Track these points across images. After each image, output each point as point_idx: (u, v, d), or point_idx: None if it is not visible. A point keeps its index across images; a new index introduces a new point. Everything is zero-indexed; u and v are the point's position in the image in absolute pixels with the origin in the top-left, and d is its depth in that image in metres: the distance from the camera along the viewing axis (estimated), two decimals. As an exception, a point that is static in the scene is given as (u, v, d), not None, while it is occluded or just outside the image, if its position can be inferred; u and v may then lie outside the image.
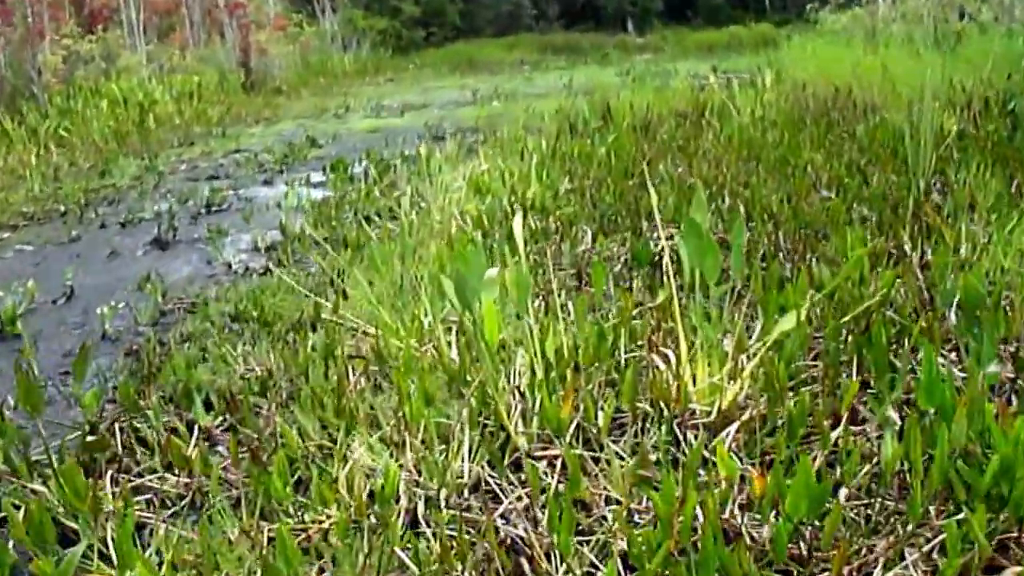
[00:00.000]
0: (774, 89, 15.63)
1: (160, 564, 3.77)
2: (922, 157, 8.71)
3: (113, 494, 4.51)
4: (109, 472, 4.80)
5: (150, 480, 4.74)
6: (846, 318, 5.14)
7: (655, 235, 8.20)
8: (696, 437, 4.39)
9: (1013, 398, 4.56)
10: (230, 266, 9.83)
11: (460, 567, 3.54)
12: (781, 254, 7.15)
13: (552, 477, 4.24)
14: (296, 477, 4.43)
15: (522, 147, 13.01)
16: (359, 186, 13.13)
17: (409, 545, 3.70)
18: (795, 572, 3.51)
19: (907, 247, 6.81)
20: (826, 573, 3.44)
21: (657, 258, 7.19)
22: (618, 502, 3.97)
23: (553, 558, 3.63)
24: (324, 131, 21.07)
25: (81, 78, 26.31)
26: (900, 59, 17.44)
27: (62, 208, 13.65)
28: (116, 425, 5.33)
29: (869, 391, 4.61)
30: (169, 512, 4.45)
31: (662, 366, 4.78)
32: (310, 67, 39.57)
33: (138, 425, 5.30)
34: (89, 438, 5.05)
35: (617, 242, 8.23)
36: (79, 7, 31.72)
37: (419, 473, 4.31)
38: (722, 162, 10.93)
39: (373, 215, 11.13)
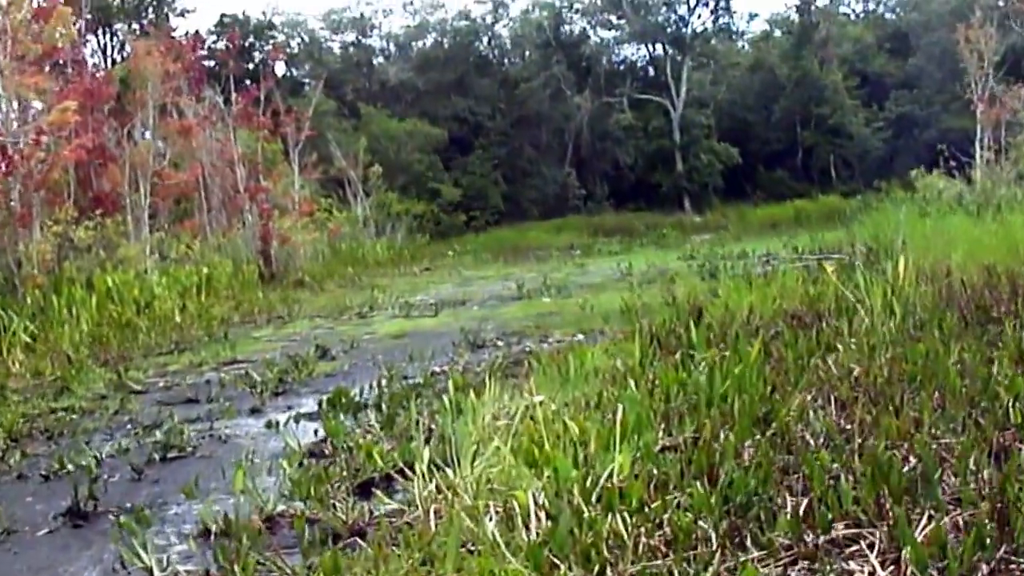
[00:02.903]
0: (908, 277, 11.95)
1: None
2: None
3: None
4: None
5: None
6: None
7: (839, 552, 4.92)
8: None
9: None
10: (151, 573, 6.39)
11: None
12: None
13: None
14: None
15: (587, 374, 9.49)
16: (365, 422, 9.98)
17: None
18: None
19: None
20: None
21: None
22: None
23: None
24: (342, 336, 17.90)
25: (73, 269, 23.30)
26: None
27: (-13, 443, 10.66)
28: None
29: None
30: None
31: None
32: (339, 255, 37.03)
33: None
34: None
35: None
36: (85, 190, 29.05)
37: None
38: (880, 393, 7.52)
39: (377, 479, 7.82)
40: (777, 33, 73.50)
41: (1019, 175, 24.71)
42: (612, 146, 64.58)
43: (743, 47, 75.47)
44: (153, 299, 22.69)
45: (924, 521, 4.90)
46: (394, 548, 5.65)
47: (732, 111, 67.26)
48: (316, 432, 9.88)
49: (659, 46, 68.44)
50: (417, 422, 9.22)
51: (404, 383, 12.02)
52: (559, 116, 64.84)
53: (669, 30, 67.03)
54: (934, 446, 6.10)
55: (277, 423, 10.37)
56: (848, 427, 6.95)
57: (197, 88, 36.66)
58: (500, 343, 15.48)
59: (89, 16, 43.67)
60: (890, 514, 4.99)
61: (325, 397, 11.12)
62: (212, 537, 6.90)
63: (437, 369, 13.12)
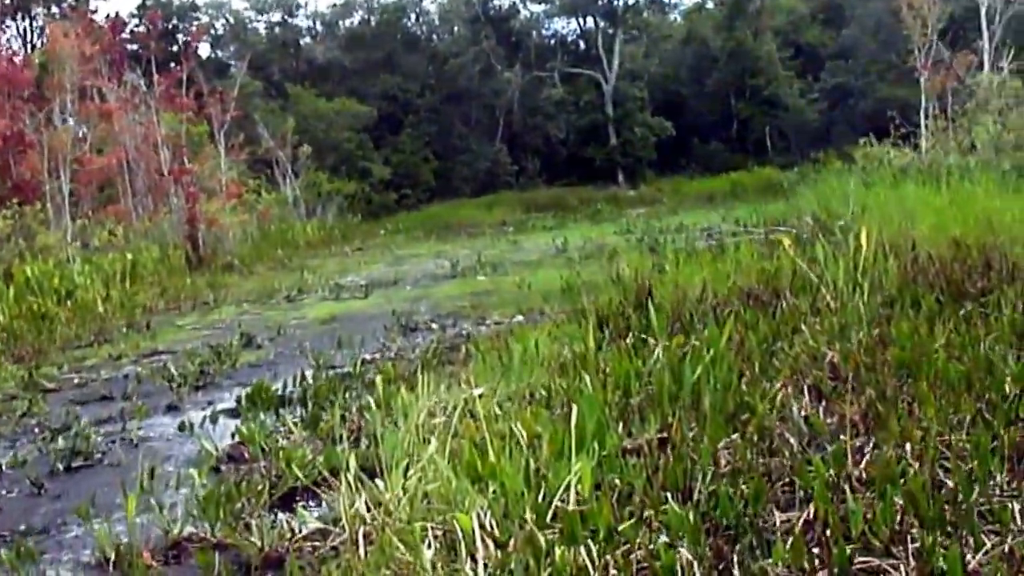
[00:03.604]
0: (870, 250, 11.07)
1: None
2: None
3: None
4: None
5: None
6: None
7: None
8: None
9: None
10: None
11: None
12: None
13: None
14: None
15: (531, 362, 8.64)
16: (288, 421, 8.99)
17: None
18: None
19: None
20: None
21: None
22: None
23: None
24: (269, 322, 16.97)
25: (-10, 260, 22.25)
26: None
27: None
28: None
29: None
30: None
31: None
32: (268, 238, 35.82)
33: None
34: None
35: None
36: (4, 178, 28.15)
37: None
38: (865, 382, 6.68)
39: (301, 488, 6.94)
40: (710, 5, 72.47)
41: (972, 144, 24.08)
42: (544, 121, 63.70)
43: (676, 19, 74.73)
44: (75, 289, 21.50)
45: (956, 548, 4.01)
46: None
47: (665, 84, 66.44)
48: (235, 433, 8.84)
49: (590, 19, 67.48)
50: (343, 418, 8.41)
51: (332, 373, 11.21)
52: (489, 92, 63.85)
53: (600, 3, 65.93)
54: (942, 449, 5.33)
55: (192, 425, 9.37)
56: (830, 421, 6.17)
57: (118, 71, 35.75)
58: (434, 326, 14.74)
59: (7, 1, 42.62)
60: (909, 538, 4.19)
61: (246, 392, 10.21)
62: (111, 568, 6.01)
63: (368, 356, 12.28)
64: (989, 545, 4.17)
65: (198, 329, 17.18)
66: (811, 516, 4.59)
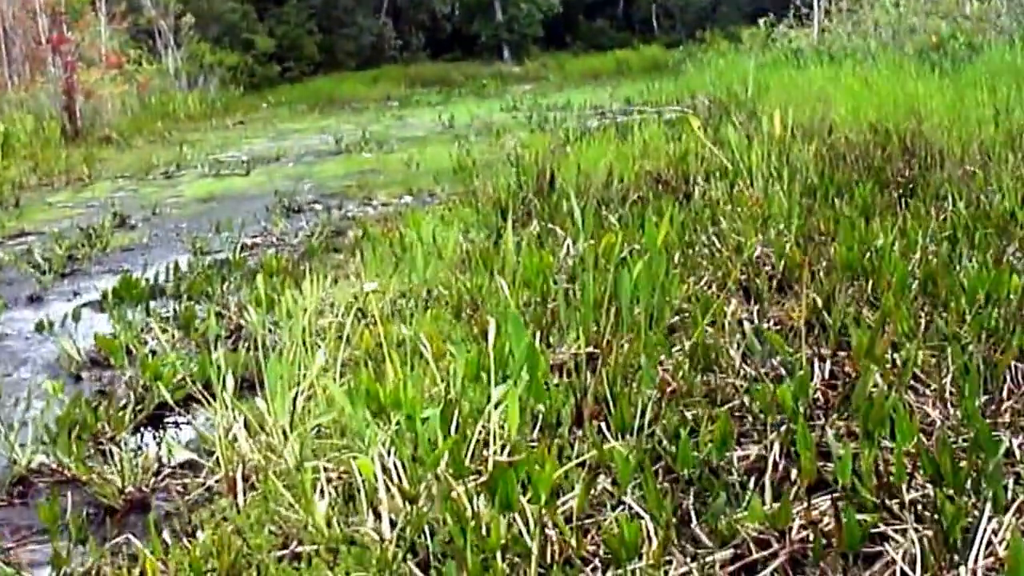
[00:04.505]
0: (784, 134, 10.35)
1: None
2: None
3: None
4: None
5: None
6: None
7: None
8: None
9: None
10: None
11: None
12: None
13: None
14: None
15: (428, 253, 7.82)
16: (159, 318, 8.01)
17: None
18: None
19: None
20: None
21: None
22: None
23: None
24: (144, 201, 15.92)
25: None
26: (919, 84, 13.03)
27: None
28: None
29: None
30: None
31: None
32: (148, 110, 34.45)
33: None
34: None
35: None
36: None
37: None
38: (804, 284, 5.86)
39: (169, 401, 5.81)
40: None
41: (875, 24, 23.68)
42: (429, -5, 62.75)
43: None
44: (-61, 164, 20.34)
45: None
46: (187, 540, 3.95)
47: (553, -41, 65.56)
48: (101, 331, 7.92)
49: None
50: (220, 315, 7.58)
51: (210, 259, 10.39)
52: (375, -37, 62.59)
53: None
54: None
55: (52, 324, 8.31)
56: (767, 327, 5.46)
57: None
58: (319, 207, 13.93)
59: None
60: (904, 491, 3.48)
61: (112, 286, 9.22)
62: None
63: (248, 241, 11.55)
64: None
65: (70, 207, 16.08)
66: (776, 455, 3.88)
